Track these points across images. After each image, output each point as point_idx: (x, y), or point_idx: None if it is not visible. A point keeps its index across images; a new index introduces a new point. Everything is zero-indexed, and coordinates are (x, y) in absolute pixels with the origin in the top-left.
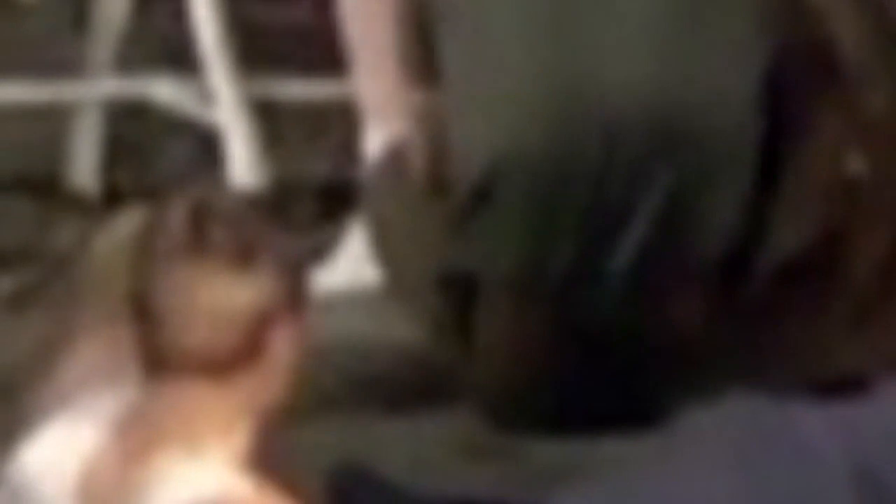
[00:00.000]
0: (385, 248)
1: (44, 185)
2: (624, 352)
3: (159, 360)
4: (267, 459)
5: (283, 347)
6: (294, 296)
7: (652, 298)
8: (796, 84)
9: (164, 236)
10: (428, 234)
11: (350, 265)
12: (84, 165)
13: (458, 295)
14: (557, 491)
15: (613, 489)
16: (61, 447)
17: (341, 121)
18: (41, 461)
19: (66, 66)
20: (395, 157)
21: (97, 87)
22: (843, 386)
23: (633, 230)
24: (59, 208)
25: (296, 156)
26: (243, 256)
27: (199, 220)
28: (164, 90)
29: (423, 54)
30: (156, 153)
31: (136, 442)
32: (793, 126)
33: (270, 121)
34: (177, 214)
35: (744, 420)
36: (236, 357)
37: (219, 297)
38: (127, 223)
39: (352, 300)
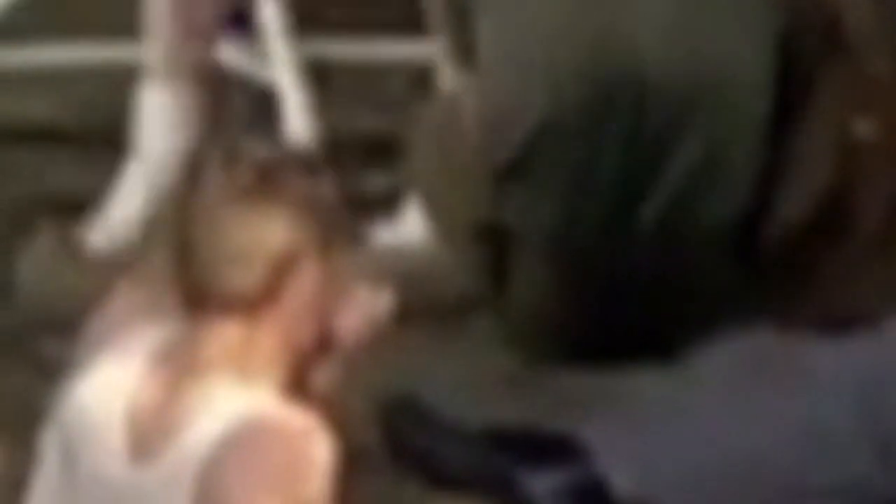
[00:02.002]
0: (430, 200)
1: (109, 141)
2: (647, 296)
3: (196, 298)
4: (307, 389)
5: (305, 287)
6: (322, 239)
7: (677, 249)
8: (805, 51)
9: (199, 183)
10: (469, 189)
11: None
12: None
13: (496, 246)
14: (585, 418)
15: (635, 417)
16: (109, 381)
17: (390, 79)
18: (90, 394)
19: (130, 28)
20: (441, 115)
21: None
22: (850, 323)
23: (662, 187)
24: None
25: (347, 112)
26: (269, 200)
27: (230, 167)
28: (222, 51)
29: (462, 21)
30: None
31: (178, 373)
32: (802, 91)
33: (323, 80)
34: (209, 163)
35: (753, 352)
36: (263, 295)
37: (245, 238)
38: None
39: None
